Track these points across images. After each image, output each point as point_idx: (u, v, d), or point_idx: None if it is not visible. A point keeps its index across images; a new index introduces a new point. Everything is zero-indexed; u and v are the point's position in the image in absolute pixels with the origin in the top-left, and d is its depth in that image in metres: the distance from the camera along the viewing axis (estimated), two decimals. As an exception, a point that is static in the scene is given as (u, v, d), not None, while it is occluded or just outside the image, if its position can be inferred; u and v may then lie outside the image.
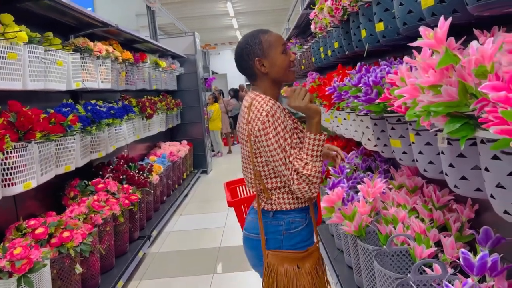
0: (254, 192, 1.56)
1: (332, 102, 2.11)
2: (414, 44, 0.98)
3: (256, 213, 1.56)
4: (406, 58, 1.21)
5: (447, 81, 0.90)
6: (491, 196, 1.00)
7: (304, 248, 1.53)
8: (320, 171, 1.44)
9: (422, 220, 1.85)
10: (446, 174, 1.26)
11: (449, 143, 1.19)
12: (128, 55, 3.87)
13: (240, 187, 2.30)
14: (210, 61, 12.17)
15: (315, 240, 1.61)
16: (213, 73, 13.06)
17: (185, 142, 6.59)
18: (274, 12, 10.44)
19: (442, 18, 0.92)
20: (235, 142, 10.71)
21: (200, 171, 7.10)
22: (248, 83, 14.34)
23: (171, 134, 6.84)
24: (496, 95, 0.62)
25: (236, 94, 11.32)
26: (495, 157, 0.95)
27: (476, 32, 1.20)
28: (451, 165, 1.21)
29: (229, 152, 9.46)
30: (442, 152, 1.25)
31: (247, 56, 1.51)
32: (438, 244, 1.72)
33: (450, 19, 0.90)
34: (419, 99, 1.06)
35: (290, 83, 1.84)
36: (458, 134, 0.97)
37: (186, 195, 5.74)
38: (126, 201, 3.13)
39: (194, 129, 7.18)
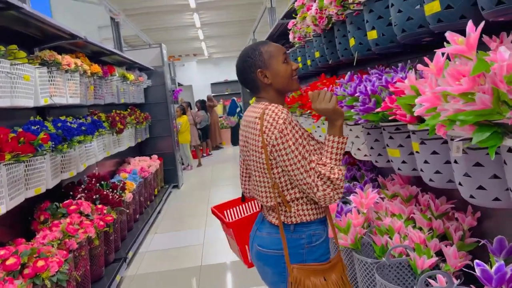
0: (272, 204, 1.49)
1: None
2: (443, 50, 0.93)
3: (272, 228, 1.50)
4: (419, 65, 1.16)
5: (481, 89, 0.86)
6: (521, 207, 0.96)
7: (327, 259, 1.50)
8: (344, 175, 1.41)
9: (420, 229, 1.82)
10: (460, 183, 1.22)
11: (464, 152, 1.15)
12: (96, 68, 3.69)
13: (228, 210, 2.18)
14: (176, 73, 11.99)
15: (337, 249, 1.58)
16: (179, 85, 12.87)
17: (155, 156, 6.39)
18: (240, 23, 10.44)
19: (470, 22, 0.88)
20: (204, 155, 10.55)
21: (172, 185, 6.90)
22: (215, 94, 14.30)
23: (140, 149, 6.62)
24: None
25: (203, 105, 11.19)
26: (527, 167, 0.91)
27: (485, 38, 1.18)
28: (466, 175, 1.18)
29: (199, 165, 9.29)
30: (456, 162, 1.21)
31: (249, 68, 1.49)
32: (437, 253, 1.69)
33: (483, 23, 0.86)
34: (441, 107, 1.01)
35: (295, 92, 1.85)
36: (487, 144, 0.92)
37: (159, 212, 5.53)
38: (101, 223, 2.94)
39: (164, 142, 6.99)
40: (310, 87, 2.78)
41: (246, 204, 2.19)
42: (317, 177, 1.37)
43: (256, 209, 2.21)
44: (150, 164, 5.78)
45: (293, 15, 2.87)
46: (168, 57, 9.83)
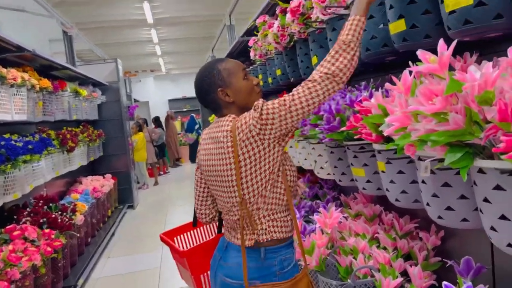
0: (240, 223, 1.41)
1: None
2: (415, 69, 0.91)
3: (240, 252, 1.40)
4: (387, 84, 1.15)
5: (453, 108, 0.83)
6: (492, 228, 0.94)
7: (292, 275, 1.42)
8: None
9: (385, 249, 1.80)
10: (428, 204, 1.20)
11: (432, 172, 1.13)
12: (46, 83, 3.48)
13: (179, 237, 2.03)
14: (132, 89, 11.69)
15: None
16: (135, 101, 12.56)
17: (109, 175, 6.11)
18: (199, 40, 10.39)
19: (442, 41, 0.86)
20: (161, 173, 10.27)
21: (126, 206, 6.61)
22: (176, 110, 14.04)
23: (93, 168, 6.31)
24: None
25: (159, 122, 10.95)
26: (498, 187, 0.89)
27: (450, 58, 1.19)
28: (434, 195, 1.16)
29: (156, 183, 9.01)
30: (423, 182, 1.19)
31: (209, 88, 1.44)
32: (402, 274, 1.67)
33: (454, 42, 0.84)
34: (411, 127, 0.99)
35: None
36: (459, 165, 0.90)
37: (113, 234, 5.26)
38: (49, 249, 2.72)
39: (118, 161, 6.71)
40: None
41: (198, 229, 2.06)
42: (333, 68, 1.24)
43: (210, 234, 2.08)
44: (103, 183, 5.51)
45: (254, 32, 2.85)
46: (124, 73, 9.58)
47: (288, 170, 1.42)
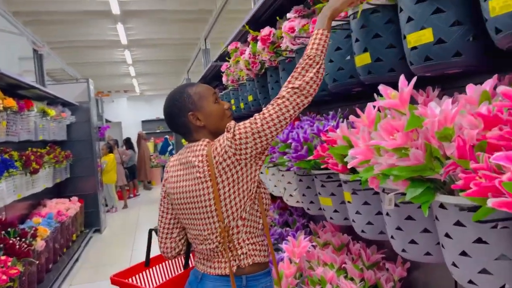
0: (220, 249, 1.38)
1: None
2: (377, 104, 0.91)
3: (218, 280, 1.37)
4: (352, 117, 1.15)
5: (414, 144, 0.84)
6: (453, 264, 0.94)
7: None
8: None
9: (352, 280, 1.78)
10: (392, 237, 1.19)
11: (396, 205, 1.13)
12: (10, 102, 3.37)
13: (132, 278, 1.79)
14: (104, 109, 11.50)
15: None
16: (107, 121, 12.34)
17: (75, 198, 5.90)
18: (174, 62, 10.38)
19: (403, 77, 0.87)
20: (131, 196, 10.02)
21: (93, 230, 6.38)
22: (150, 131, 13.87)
23: (58, 190, 6.08)
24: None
25: (130, 143, 10.76)
26: (459, 223, 0.89)
27: (413, 92, 1.21)
28: (398, 228, 1.15)
29: (125, 206, 8.77)
30: (388, 214, 1.19)
31: (179, 112, 1.42)
32: (369, 304, 1.66)
33: (414, 79, 0.85)
34: (374, 161, 0.99)
35: None
36: (420, 200, 0.90)
37: (76, 260, 5.04)
38: (4, 277, 2.56)
39: (86, 183, 6.51)
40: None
41: (152, 269, 1.91)
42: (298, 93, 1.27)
43: (168, 274, 1.94)
44: (68, 206, 5.31)
45: (227, 58, 2.86)
46: (97, 93, 9.44)
47: (263, 193, 1.43)
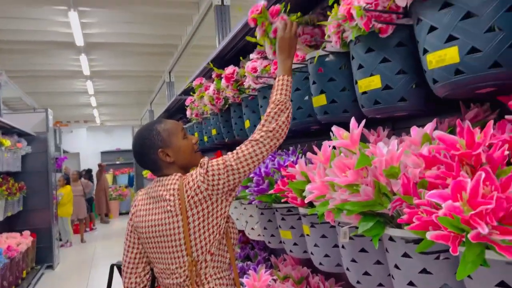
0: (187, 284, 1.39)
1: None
2: (330, 143, 0.99)
3: None
4: (309, 153, 1.23)
5: (364, 181, 0.91)
6: (402, 293, 1.00)
7: None
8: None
9: (311, 313, 1.81)
10: (347, 269, 1.25)
11: (351, 238, 1.20)
12: (-36, 131, 3.24)
13: None
14: (62, 140, 11.17)
15: None
16: (65, 152, 11.96)
17: (27, 232, 5.62)
18: (137, 93, 10.34)
19: (353, 119, 0.96)
20: (87, 229, 9.62)
21: (45, 266, 6.07)
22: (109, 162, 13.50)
23: (9, 224, 5.78)
24: (447, 205, 0.62)
25: (90, 175, 10.46)
26: (406, 255, 0.96)
27: (365, 131, 1.31)
28: (353, 260, 1.21)
29: (82, 241, 8.39)
30: (343, 247, 1.25)
31: (149, 150, 1.45)
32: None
33: (364, 121, 0.94)
34: (329, 196, 1.05)
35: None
36: (371, 233, 0.97)
37: (25, 299, 4.75)
38: None
39: (40, 216, 6.24)
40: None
41: None
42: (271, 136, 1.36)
43: None
44: (20, 241, 5.05)
45: (191, 93, 2.92)
46: (55, 123, 9.19)
47: (231, 228, 1.47)
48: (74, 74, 8.21)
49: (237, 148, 1.37)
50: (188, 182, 1.37)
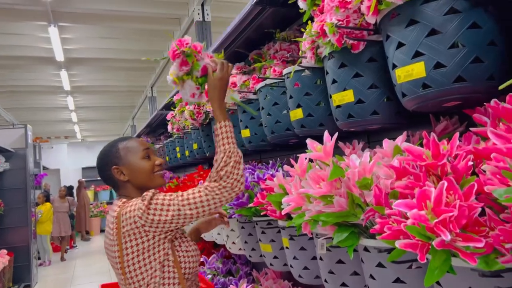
0: None
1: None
2: (305, 156, 1.01)
3: None
4: (286, 166, 1.24)
5: (338, 192, 0.93)
6: (378, 303, 1.02)
7: None
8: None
9: (293, 326, 1.81)
10: (325, 281, 1.26)
11: (328, 249, 1.21)
12: None
13: None
14: (42, 156, 10.97)
15: None
16: (45, 168, 11.74)
17: (4, 251, 5.46)
18: (119, 108, 10.27)
19: (326, 132, 0.98)
20: (67, 248, 9.39)
21: (23, 286, 5.89)
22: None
23: (-15, 242, 5.63)
24: (413, 214, 0.64)
25: (71, 191, 10.27)
26: (380, 265, 0.98)
27: (341, 144, 1.34)
28: (330, 272, 1.22)
29: (63, 259, 8.18)
30: (321, 259, 1.26)
31: (106, 166, 1.44)
32: None
33: (336, 135, 0.97)
34: (305, 207, 1.07)
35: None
36: (346, 243, 0.99)
37: (1, 320, 4.60)
38: None
39: (17, 234, 6.08)
40: (187, 178, 2.76)
41: None
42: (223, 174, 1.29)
43: None
44: (-4, 261, 4.91)
45: (172, 107, 2.93)
46: (35, 138, 9.05)
47: (183, 257, 1.34)
48: (55, 90, 8.12)
49: (190, 190, 1.29)
50: (126, 213, 1.28)
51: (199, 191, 1.27)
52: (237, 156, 1.31)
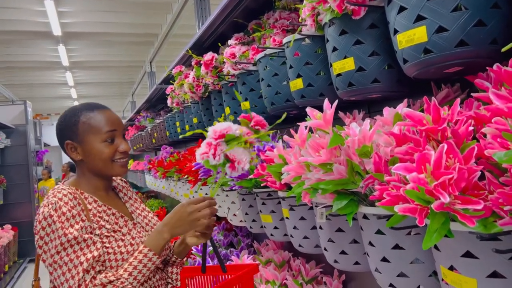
0: None
1: (198, 177, 2.04)
2: (305, 124, 1.00)
3: None
4: (285, 136, 1.24)
5: (337, 160, 0.93)
6: (376, 270, 1.03)
7: None
8: None
9: (293, 295, 1.84)
10: (325, 249, 1.28)
11: (327, 218, 1.22)
12: None
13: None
14: (43, 133, 10.98)
15: None
16: (46, 145, 11.77)
17: (8, 226, 5.55)
18: (118, 84, 10.21)
19: (326, 100, 0.97)
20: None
21: (27, 260, 6.00)
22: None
23: (-11, 218, 5.71)
24: (412, 177, 0.64)
25: (73, 168, 10.32)
26: (379, 232, 0.99)
27: (341, 114, 1.33)
28: (330, 240, 1.24)
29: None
30: (320, 227, 1.27)
31: (60, 135, 1.28)
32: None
33: (336, 102, 0.96)
34: (304, 176, 1.07)
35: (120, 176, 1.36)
36: (345, 211, 0.99)
37: (8, 293, 4.71)
38: None
39: (21, 210, 6.17)
40: (188, 152, 2.77)
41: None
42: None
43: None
44: (0, 235, 4.98)
45: (171, 81, 2.90)
46: (35, 115, 9.03)
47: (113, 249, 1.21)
48: (53, 65, 8.06)
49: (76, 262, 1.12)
50: (43, 204, 1.18)
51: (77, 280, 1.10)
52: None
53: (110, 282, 1.11)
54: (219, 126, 1.06)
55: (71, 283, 1.10)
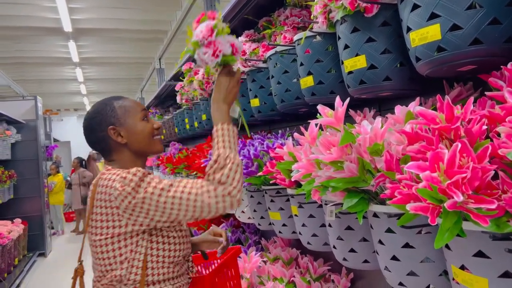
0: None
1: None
2: (316, 121, 1.00)
3: None
4: (296, 134, 1.24)
5: (348, 158, 0.93)
6: (386, 268, 1.03)
7: None
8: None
9: (301, 292, 1.84)
10: (334, 247, 1.28)
11: (337, 216, 1.22)
12: (-49, 118, 3.21)
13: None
14: (52, 128, 11.07)
15: None
16: (55, 140, 11.87)
17: (18, 220, 5.61)
18: (127, 81, 10.26)
19: (338, 98, 0.97)
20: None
21: (37, 254, 6.07)
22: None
23: (0, 212, 5.77)
24: (425, 175, 0.64)
25: (83, 163, 10.39)
26: (389, 230, 0.99)
27: (352, 112, 1.32)
28: (339, 238, 1.24)
29: (76, 230, 8.28)
30: (330, 225, 1.27)
31: (98, 126, 1.27)
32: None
33: (348, 100, 0.95)
34: (315, 174, 1.07)
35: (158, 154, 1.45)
36: (355, 209, 0.99)
37: (18, 286, 4.76)
38: None
39: (31, 204, 6.22)
40: (196, 149, 2.78)
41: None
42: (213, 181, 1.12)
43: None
44: (11, 229, 5.04)
45: (180, 78, 2.91)
46: (45, 111, 9.11)
47: (153, 261, 1.19)
48: (63, 61, 8.11)
49: (186, 183, 1.14)
50: (103, 185, 1.17)
51: (197, 188, 1.12)
52: (234, 163, 1.14)
53: (217, 162, 1.14)
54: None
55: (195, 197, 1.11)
